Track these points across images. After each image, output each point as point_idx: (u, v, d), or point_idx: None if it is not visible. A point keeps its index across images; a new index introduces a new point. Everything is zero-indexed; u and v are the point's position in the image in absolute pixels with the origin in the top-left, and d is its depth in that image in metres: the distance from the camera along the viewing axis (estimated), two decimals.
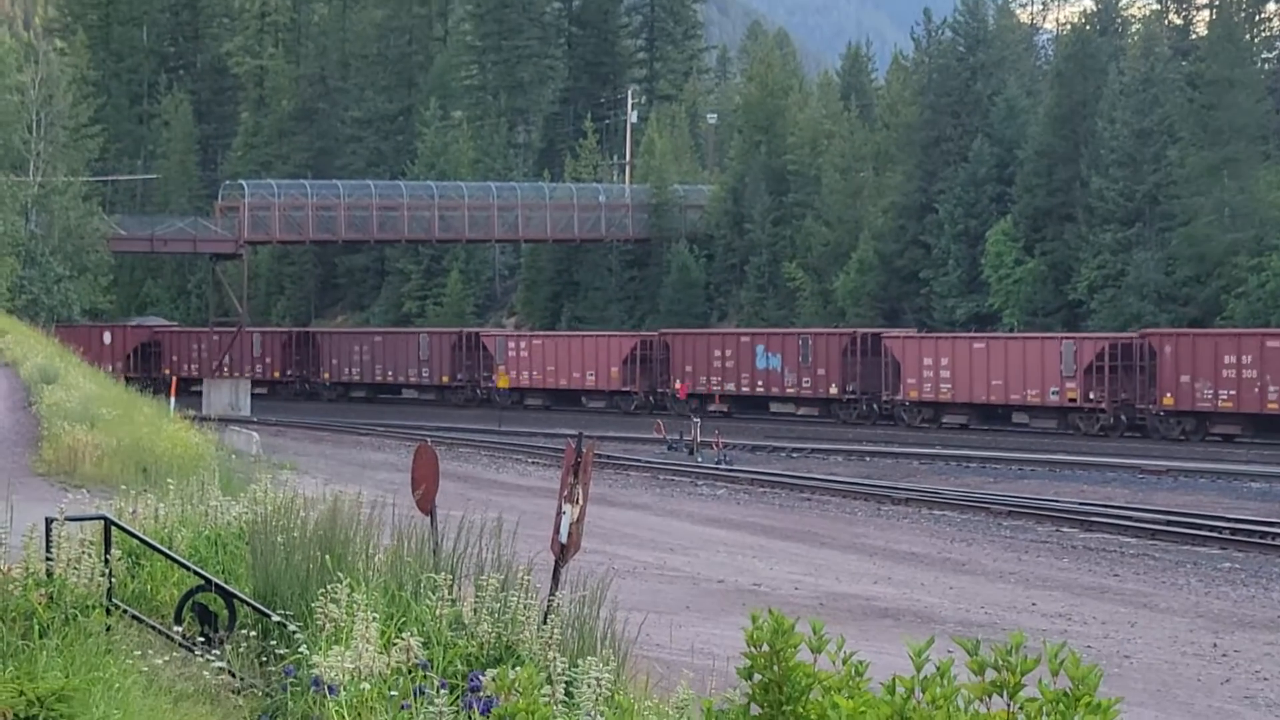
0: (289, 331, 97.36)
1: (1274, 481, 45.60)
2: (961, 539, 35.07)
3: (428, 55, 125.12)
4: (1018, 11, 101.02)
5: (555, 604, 10.83)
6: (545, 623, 10.49)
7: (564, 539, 11.35)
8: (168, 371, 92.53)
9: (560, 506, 11.39)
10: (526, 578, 10.96)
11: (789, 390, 72.96)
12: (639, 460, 53.95)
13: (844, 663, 6.74)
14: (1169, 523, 36.39)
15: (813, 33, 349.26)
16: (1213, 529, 35.28)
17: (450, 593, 10.95)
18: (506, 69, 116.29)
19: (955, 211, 79.73)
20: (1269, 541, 33.54)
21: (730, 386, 74.89)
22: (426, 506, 13.20)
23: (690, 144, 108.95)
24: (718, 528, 36.35)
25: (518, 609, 10.56)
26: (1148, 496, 42.94)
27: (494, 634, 10.44)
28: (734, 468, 51.41)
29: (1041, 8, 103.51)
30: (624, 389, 78.64)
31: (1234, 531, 34.85)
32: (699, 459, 54.76)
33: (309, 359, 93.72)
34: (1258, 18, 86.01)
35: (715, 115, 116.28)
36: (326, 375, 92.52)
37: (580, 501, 11.35)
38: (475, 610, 10.65)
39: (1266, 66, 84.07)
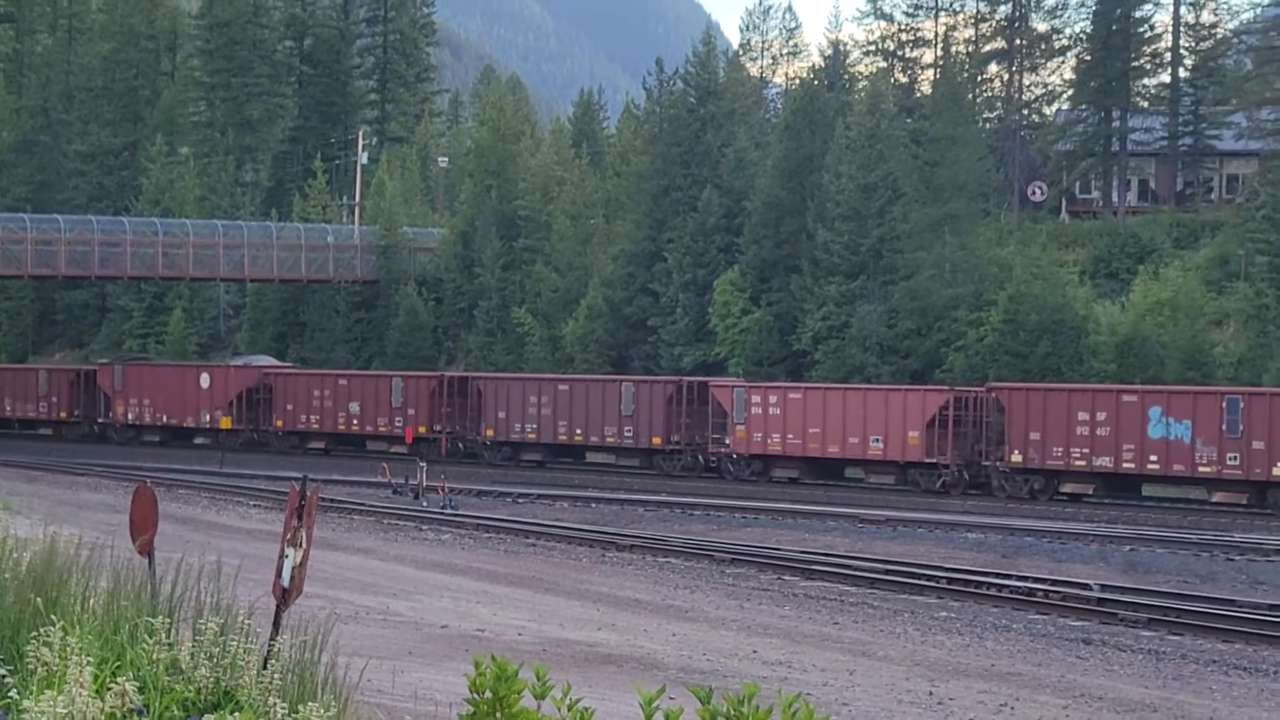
0: (439, 377, 79.43)
1: (989, 532, 46.57)
2: (685, 586, 35.24)
3: (155, 90, 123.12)
4: (748, 65, 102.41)
5: (276, 649, 10.62)
6: (265, 668, 10.29)
7: (286, 583, 11.16)
8: (280, 424, 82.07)
9: (283, 550, 11.21)
10: (247, 622, 10.75)
11: (1202, 469, 55.16)
12: (364, 504, 53.47)
13: (569, 709, 6.70)
14: (888, 571, 36.96)
15: (546, 79, 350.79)
16: (930, 578, 35.89)
17: (168, 636, 10.69)
18: (235, 106, 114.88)
19: (684, 260, 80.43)
20: (983, 591, 34.22)
21: (1103, 461, 57.02)
22: (145, 549, 12.90)
23: (421, 187, 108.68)
24: (442, 573, 36.13)
25: (237, 653, 10.34)
26: (867, 545, 43.58)
27: (212, 679, 10.21)
28: (460, 512, 51.17)
29: (771, 62, 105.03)
30: (926, 460, 61.05)
31: (950, 581, 35.48)
32: (424, 503, 54.44)
33: (466, 411, 76.64)
34: (980, 78, 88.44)
35: (447, 159, 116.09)
36: (489, 431, 75.38)
37: (304, 545, 11.17)
38: (193, 654, 10.42)
39: (987, 125, 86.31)
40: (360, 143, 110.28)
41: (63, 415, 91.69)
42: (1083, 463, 57.73)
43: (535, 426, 73.70)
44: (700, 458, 69.05)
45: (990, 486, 60.10)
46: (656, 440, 69.69)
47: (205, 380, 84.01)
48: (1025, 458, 58.83)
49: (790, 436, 64.57)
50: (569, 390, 72.99)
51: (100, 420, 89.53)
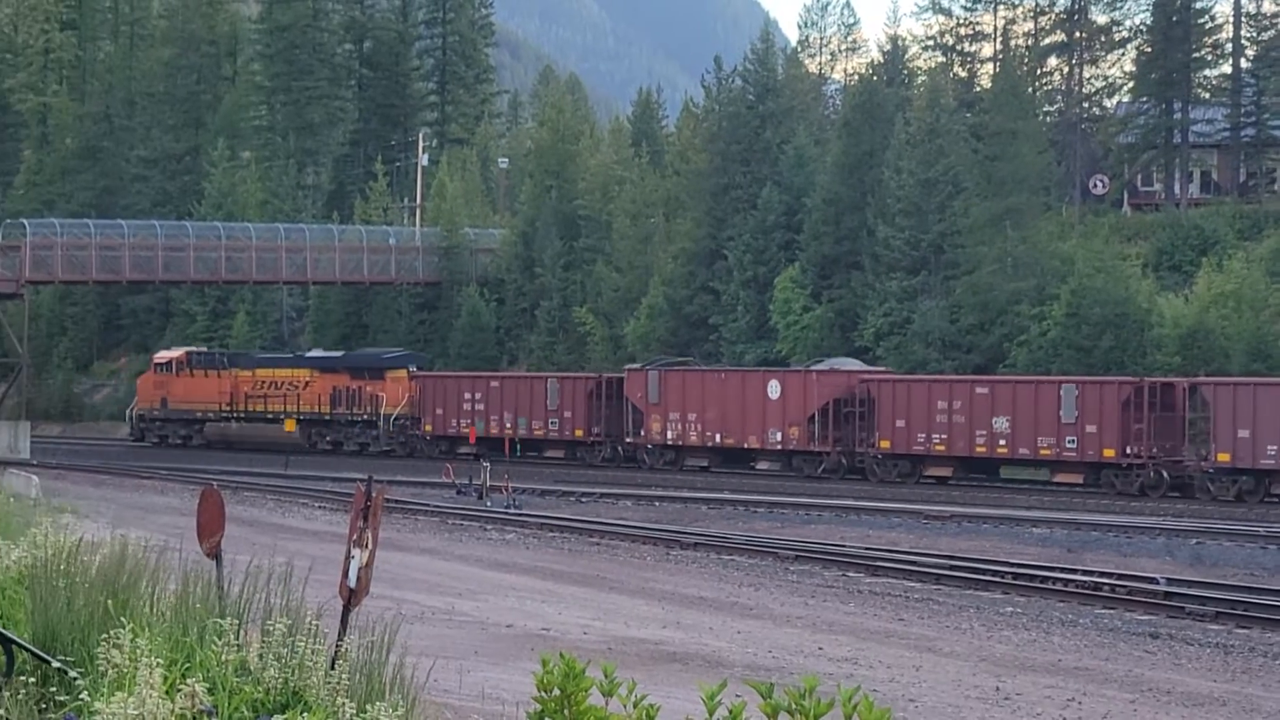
0: (1142, 383, 57.94)
1: (1054, 527, 46.35)
2: (749, 584, 35.19)
3: (216, 95, 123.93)
4: (806, 61, 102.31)
5: (343, 649, 10.69)
6: (333, 668, 10.35)
7: (353, 583, 11.22)
8: (886, 445, 63.19)
9: (349, 550, 11.27)
10: (315, 623, 10.82)
11: None
12: (429, 505, 53.59)
13: (634, 706, 6.72)
14: (953, 567, 36.81)
15: (604, 79, 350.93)
16: (995, 573, 35.71)
17: (236, 638, 10.77)
18: (296, 110, 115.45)
19: (744, 258, 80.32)
20: (1049, 586, 34.04)
21: None
22: (213, 551, 13.00)
23: (481, 187, 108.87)
24: (507, 572, 36.18)
25: (305, 654, 10.41)
26: (932, 541, 43.44)
27: (281, 679, 10.28)
28: (523, 512, 51.21)
29: (830, 58, 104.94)
30: None
31: (1015, 576, 35.30)
32: (488, 503, 54.51)
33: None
34: (1039, 71, 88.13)
35: (507, 159, 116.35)
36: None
37: (369, 546, 11.23)
38: (262, 655, 10.49)
39: (1048, 119, 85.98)
40: (420, 144, 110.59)
41: (578, 434, 74.53)
42: None
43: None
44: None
45: None
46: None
47: (774, 389, 67.03)
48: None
49: None
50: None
51: (629, 440, 72.39)
